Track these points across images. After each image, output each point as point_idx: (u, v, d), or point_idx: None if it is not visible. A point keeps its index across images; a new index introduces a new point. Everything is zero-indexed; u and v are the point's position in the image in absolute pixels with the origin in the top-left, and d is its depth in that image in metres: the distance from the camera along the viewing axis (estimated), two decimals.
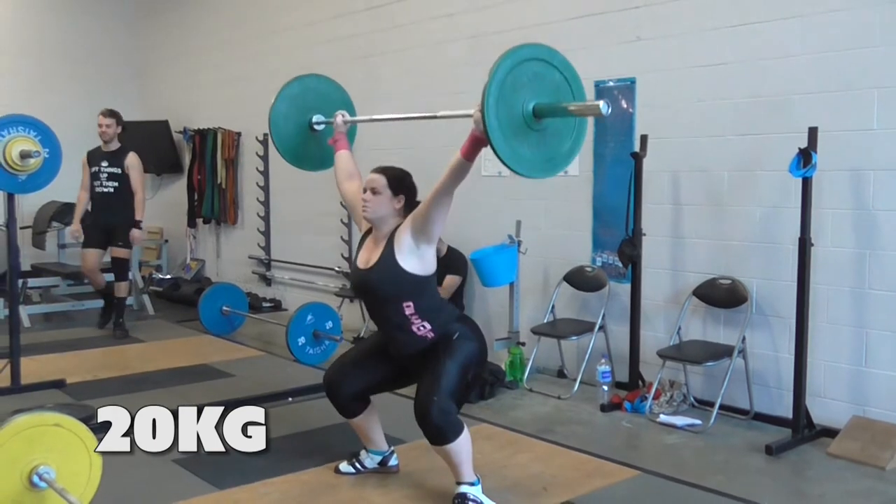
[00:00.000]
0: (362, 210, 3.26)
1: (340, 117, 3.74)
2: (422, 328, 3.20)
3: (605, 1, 5.07)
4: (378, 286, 3.22)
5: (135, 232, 6.42)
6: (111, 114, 6.42)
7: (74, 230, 6.56)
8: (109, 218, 6.39)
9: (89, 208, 6.54)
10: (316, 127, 3.86)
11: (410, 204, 3.27)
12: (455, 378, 3.14)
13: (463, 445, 3.14)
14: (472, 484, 3.19)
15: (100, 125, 6.37)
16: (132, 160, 6.42)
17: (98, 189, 6.39)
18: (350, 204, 3.60)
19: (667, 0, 4.76)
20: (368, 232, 3.38)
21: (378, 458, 3.58)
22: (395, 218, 3.25)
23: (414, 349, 3.24)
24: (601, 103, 2.65)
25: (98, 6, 9.53)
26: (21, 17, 9.06)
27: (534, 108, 2.72)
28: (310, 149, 3.92)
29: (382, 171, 3.30)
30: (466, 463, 3.18)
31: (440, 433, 3.08)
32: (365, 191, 3.26)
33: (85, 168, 6.43)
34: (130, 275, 6.92)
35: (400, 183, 3.27)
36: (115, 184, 6.38)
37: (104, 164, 6.37)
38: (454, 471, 3.19)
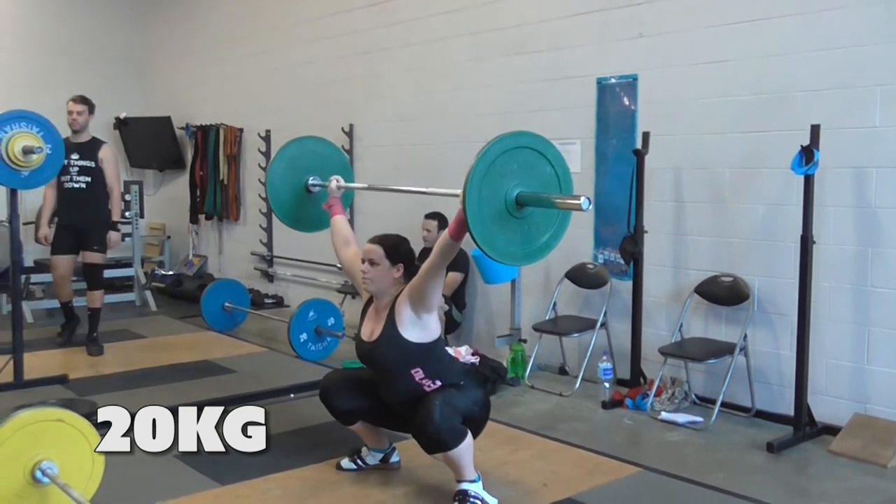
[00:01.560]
0: (363, 283, 3.30)
1: (335, 182, 3.74)
2: (431, 385, 3.22)
3: None
4: (384, 359, 3.25)
5: (112, 235, 5.76)
6: (83, 100, 5.73)
7: (44, 235, 5.85)
8: (81, 218, 5.69)
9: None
10: (311, 189, 3.88)
11: (409, 271, 3.28)
12: (461, 400, 3.14)
13: (467, 447, 3.14)
14: (472, 481, 3.19)
15: (70, 112, 5.66)
16: (106, 153, 5.77)
17: (67, 185, 5.65)
18: (349, 271, 3.63)
19: None
20: (370, 301, 3.40)
21: (379, 456, 3.59)
22: (396, 287, 3.27)
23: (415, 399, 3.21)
24: (582, 199, 2.67)
25: (99, 3, 9.53)
26: (22, 13, 9.06)
27: (517, 196, 2.76)
28: (306, 210, 3.95)
29: (379, 241, 3.32)
30: (467, 461, 3.18)
31: (445, 446, 3.06)
32: (363, 261, 3.28)
33: None
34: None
35: (397, 252, 3.29)
36: (88, 179, 5.67)
37: (74, 156, 5.62)
38: (455, 470, 3.19)
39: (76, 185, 5.66)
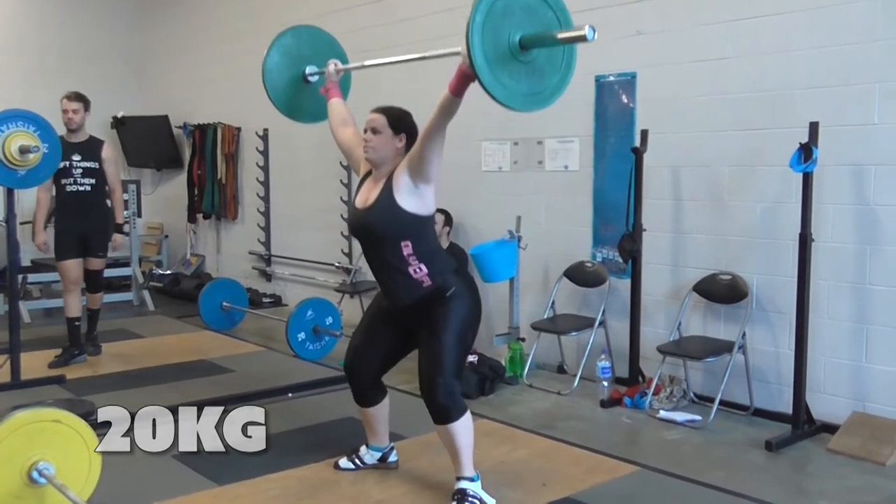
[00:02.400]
0: (364, 151, 3.23)
1: (333, 66, 3.70)
2: (418, 270, 3.15)
3: None
4: (376, 226, 3.18)
5: (118, 238, 5.56)
6: (77, 97, 5.40)
7: (42, 241, 5.57)
8: (88, 222, 5.40)
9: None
10: (310, 79, 3.80)
11: (412, 143, 3.21)
12: (455, 352, 3.14)
13: (465, 428, 3.16)
14: (471, 479, 3.19)
15: (65, 111, 5.34)
16: (108, 152, 5.47)
17: (71, 188, 5.33)
18: (347, 148, 3.57)
19: None
20: (367, 174, 3.33)
21: (378, 455, 3.58)
22: (397, 158, 3.21)
23: (410, 298, 3.19)
24: (587, 28, 2.60)
25: (97, 2, 9.51)
26: (20, 12, 9.04)
27: (520, 40, 2.69)
28: (304, 100, 3.86)
29: (382, 110, 3.27)
30: (467, 452, 3.19)
31: (445, 412, 3.12)
32: (366, 131, 3.22)
33: None
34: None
35: (400, 122, 3.23)
36: (92, 181, 5.36)
37: (76, 157, 5.32)
38: (454, 461, 3.20)
39: (81, 188, 5.34)
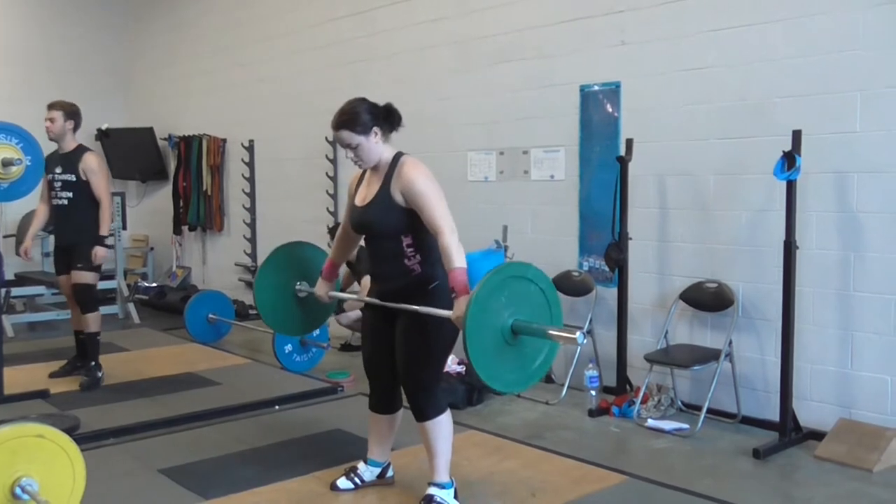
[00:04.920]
0: (360, 167, 3.24)
1: (326, 297, 3.60)
2: (412, 258, 3.15)
3: (589, 5, 5.08)
4: (375, 223, 3.18)
5: (98, 250, 5.13)
6: (55, 106, 5.19)
7: (24, 248, 5.45)
8: (66, 236, 5.22)
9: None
10: (299, 294, 3.72)
11: (388, 122, 3.18)
12: (433, 349, 3.17)
13: (441, 428, 3.19)
14: (442, 486, 3.22)
15: (45, 120, 5.17)
16: (89, 162, 5.14)
17: (54, 201, 5.19)
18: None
19: (651, 4, 4.78)
20: (362, 175, 3.33)
21: (377, 471, 3.51)
22: (384, 146, 3.18)
23: (398, 283, 3.18)
24: (578, 334, 2.83)
25: (83, 14, 9.48)
26: (4, 25, 9.00)
27: (513, 326, 2.88)
28: (298, 314, 3.79)
29: (340, 124, 3.14)
30: (442, 456, 3.21)
31: (420, 409, 3.19)
32: (346, 149, 3.17)
33: (44, 176, 5.07)
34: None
35: (362, 122, 3.12)
36: (69, 194, 5.14)
37: (58, 170, 5.14)
38: (430, 463, 3.22)
39: (59, 202, 5.18)
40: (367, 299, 3.36)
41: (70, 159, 5.18)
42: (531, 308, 2.94)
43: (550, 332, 2.88)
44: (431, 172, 3.15)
